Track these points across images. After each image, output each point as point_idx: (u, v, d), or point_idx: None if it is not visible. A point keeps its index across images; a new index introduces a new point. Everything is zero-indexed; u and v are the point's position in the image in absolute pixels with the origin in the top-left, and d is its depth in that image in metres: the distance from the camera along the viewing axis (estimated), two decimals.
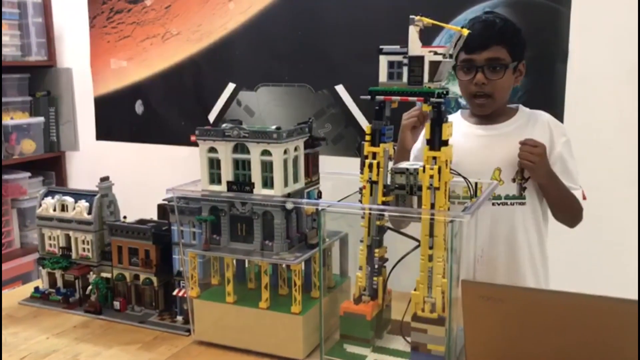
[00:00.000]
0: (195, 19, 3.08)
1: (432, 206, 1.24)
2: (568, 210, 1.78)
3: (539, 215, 1.81)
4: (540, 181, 1.72)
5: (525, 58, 1.79)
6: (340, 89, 2.77)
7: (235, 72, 3.02)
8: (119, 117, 3.43)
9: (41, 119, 3.52)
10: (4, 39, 3.29)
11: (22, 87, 3.49)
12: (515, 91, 2.44)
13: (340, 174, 1.60)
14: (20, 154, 3.42)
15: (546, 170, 1.70)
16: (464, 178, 1.42)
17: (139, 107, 3.36)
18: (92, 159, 3.57)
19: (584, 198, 1.79)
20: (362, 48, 2.64)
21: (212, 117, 3.11)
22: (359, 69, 2.66)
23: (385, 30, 2.54)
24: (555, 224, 1.85)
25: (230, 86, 3.04)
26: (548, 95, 2.40)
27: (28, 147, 3.46)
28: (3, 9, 3.30)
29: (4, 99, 3.36)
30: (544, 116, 1.84)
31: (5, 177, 3.33)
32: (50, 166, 3.63)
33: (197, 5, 3.07)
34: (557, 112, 2.40)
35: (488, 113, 1.78)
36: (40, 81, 3.55)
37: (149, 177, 3.32)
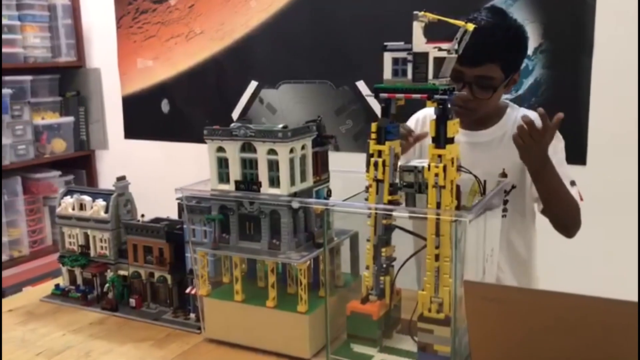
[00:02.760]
0: (218, 18, 3.10)
1: (438, 205, 1.22)
2: (563, 206, 1.63)
3: (522, 229, 1.75)
4: (532, 166, 1.57)
5: (520, 68, 1.68)
6: (361, 85, 2.76)
7: (257, 70, 3.04)
8: (146, 116, 3.49)
9: (71, 118, 3.61)
10: (34, 40, 3.38)
11: (53, 88, 3.58)
12: (538, 85, 2.39)
13: (351, 172, 1.59)
14: (51, 153, 3.51)
15: (540, 154, 1.53)
16: (475, 176, 1.40)
17: (164, 106, 3.41)
18: (121, 157, 3.65)
19: (581, 199, 1.69)
20: (382, 43, 2.61)
21: (235, 115, 3.13)
22: (380, 65, 2.63)
23: (406, 25, 2.50)
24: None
25: (253, 84, 3.06)
26: (572, 89, 2.34)
27: (59, 146, 3.55)
28: (34, 12, 3.39)
29: (36, 100, 3.45)
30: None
31: (36, 175, 3.43)
32: (80, 165, 3.72)
33: (219, 4, 3.09)
34: (582, 107, 2.34)
35: (468, 121, 1.69)
36: (70, 81, 3.64)
37: (175, 174, 3.35)
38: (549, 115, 1.71)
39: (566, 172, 1.69)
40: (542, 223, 1.81)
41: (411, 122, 1.86)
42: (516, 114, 1.72)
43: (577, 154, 2.32)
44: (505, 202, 1.67)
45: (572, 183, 1.69)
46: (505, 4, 2.39)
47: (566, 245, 1.99)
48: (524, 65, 2.36)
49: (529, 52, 2.38)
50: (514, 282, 1.77)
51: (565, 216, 1.66)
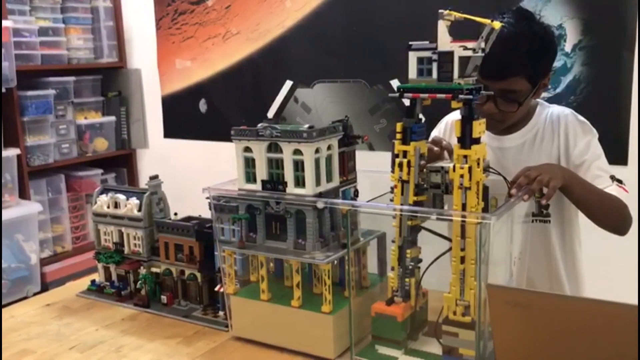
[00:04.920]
0: (254, 18, 3.13)
1: (464, 207, 1.20)
2: (604, 210, 1.53)
3: (567, 232, 1.67)
4: (563, 187, 1.45)
5: (549, 73, 1.59)
6: (395, 83, 2.74)
7: (292, 70, 3.05)
8: (184, 116, 3.55)
9: (113, 118, 3.70)
10: (78, 42, 3.48)
11: (96, 88, 3.68)
12: (577, 83, 2.32)
13: (380, 172, 1.57)
14: (93, 152, 3.60)
15: (557, 174, 1.41)
16: (504, 178, 1.37)
17: (202, 106, 3.46)
18: (160, 156, 3.72)
19: (626, 191, 1.57)
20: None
21: (271, 114, 3.15)
22: None
23: None
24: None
25: (288, 83, 3.07)
26: (613, 87, 2.27)
27: (101, 145, 3.64)
28: (78, 15, 3.49)
29: (79, 100, 3.55)
30: (560, 119, 1.63)
31: (79, 173, 3.53)
32: (122, 163, 3.81)
33: (255, 4, 3.12)
34: (623, 105, 2.27)
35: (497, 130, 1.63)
36: (111, 82, 3.73)
37: (212, 173, 3.40)
38: (589, 112, 1.69)
39: (603, 166, 1.60)
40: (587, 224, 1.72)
41: (437, 130, 1.82)
42: (547, 112, 1.66)
43: (618, 154, 2.25)
44: (547, 206, 1.62)
45: (612, 178, 1.59)
46: (542, 0, 2.33)
47: (610, 246, 1.90)
48: (562, 62, 2.32)
49: (568, 49, 2.33)
50: (564, 286, 1.72)
51: (608, 218, 1.56)
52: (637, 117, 2.27)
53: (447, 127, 1.79)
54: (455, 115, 1.75)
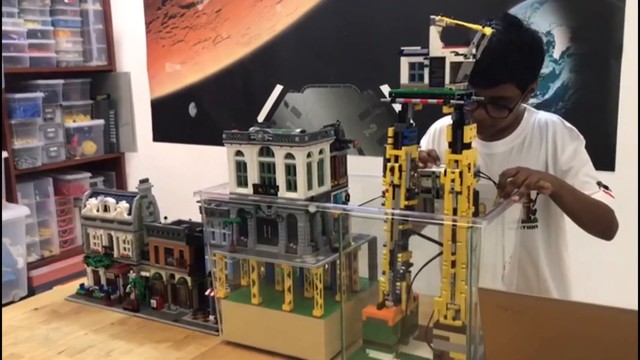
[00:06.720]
0: (245, 22, 3.13)
1: (455, 211, 1.21)
2: (592, 216, 1.56)
3: (553, 237, 1.70)
4: (553, 195, 1.49)
5: (537, 78, 1.62)
6: (385, 89, 2.75)
7: (283, 74, 3.06)
8: (174, 119, 3.54)
9: (101, 121, 3.68)
10: (67, 45, 3.46)
11: (84, 91, 3.67)
12: (565, 89, 2.35)
13: (371, 177, 1.58)
14: (81, 155, 3.59)
15: (547, 178, 1.44)
16: (494, 182, 1.38)
17: (192, 110, 3.45)
18: (149, 159, 3.71)
19: (612, 197, 1.60)
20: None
21: (261, 118, 3.16)
22: None
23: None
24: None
25: (278, 88, 3.08)
26: (600, 93, 2.30)
27: (89, 148, 3.62)
28: (67, 18, 3.48)
29: (67, 103, 3.54)
30: (548, 125, 1.66)
31: (67, 177, 3.51)
32: (110, 167, 3.79)
33: (246, 8, 3.12)
34: (611, 111, 2.29)
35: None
36: (100, 85, 3.72)
37: (202, 177, 3.39)
38: (577, 119, 1.72)
39: (590, 172, 1.64)
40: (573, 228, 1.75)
41: (427, 136, 1.83)
42: (535, 118, 1.68)
43: (605, 160, 2.27)
44: (534, 211, 1.64)
45: (599, 184, 1.62)
46: (531, 7, 2.36)
47: (596, 251, 1.92)
48: (550, 69, 2.35)
49: (556, 56, 2.35)
50: (551, 290, 1.74)
51: (595, 224, 1.60)
52: (634, 125, 2.29)
53: (436, 133, 1.81)
54: (443, 122, 1.79)
